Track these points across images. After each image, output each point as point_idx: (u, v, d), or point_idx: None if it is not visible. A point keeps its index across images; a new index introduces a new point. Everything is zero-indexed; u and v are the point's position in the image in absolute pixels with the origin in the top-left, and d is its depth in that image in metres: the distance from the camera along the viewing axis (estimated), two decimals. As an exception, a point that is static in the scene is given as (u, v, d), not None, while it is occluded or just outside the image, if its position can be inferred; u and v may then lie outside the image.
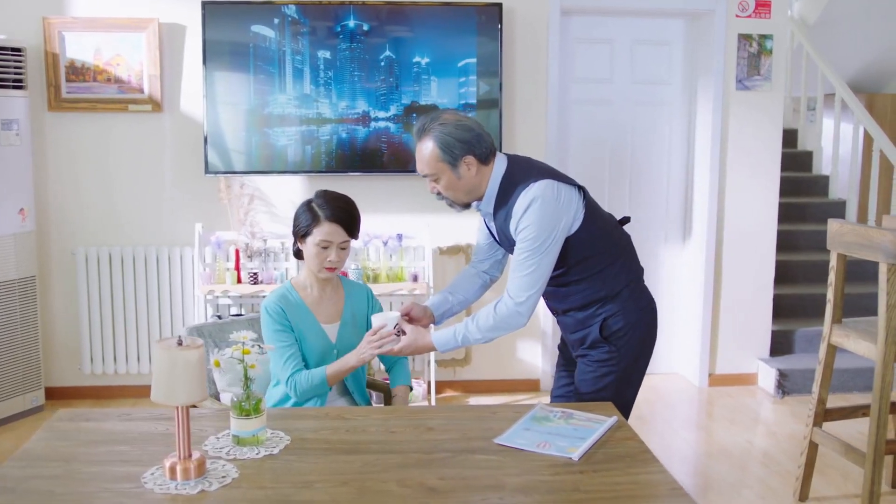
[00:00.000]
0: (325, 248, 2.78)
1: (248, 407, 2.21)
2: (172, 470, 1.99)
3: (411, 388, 3.08)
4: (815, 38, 6.73)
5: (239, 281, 4.71)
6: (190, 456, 2.01)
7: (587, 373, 2.80)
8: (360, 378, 2.98)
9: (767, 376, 5.31)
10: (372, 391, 3.12)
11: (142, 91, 4.73)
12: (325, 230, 2.77)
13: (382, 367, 3.09)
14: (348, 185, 4.87)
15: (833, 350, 3.63)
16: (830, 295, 3.58)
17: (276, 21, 4.60)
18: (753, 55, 5.10)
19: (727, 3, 5.05)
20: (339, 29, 4.65)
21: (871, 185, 6.19)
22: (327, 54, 4.66)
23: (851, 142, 6.52)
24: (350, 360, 2.74)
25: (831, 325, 3.59)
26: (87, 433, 2.29)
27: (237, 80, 4.63)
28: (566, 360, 3.02)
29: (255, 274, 4.68)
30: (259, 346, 2.29)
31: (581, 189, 2.71)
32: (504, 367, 5.23)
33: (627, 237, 2.87)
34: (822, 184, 6.65)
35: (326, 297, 2.91)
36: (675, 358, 5.65)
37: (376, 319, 2.69)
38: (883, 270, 3.27)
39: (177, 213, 4.85)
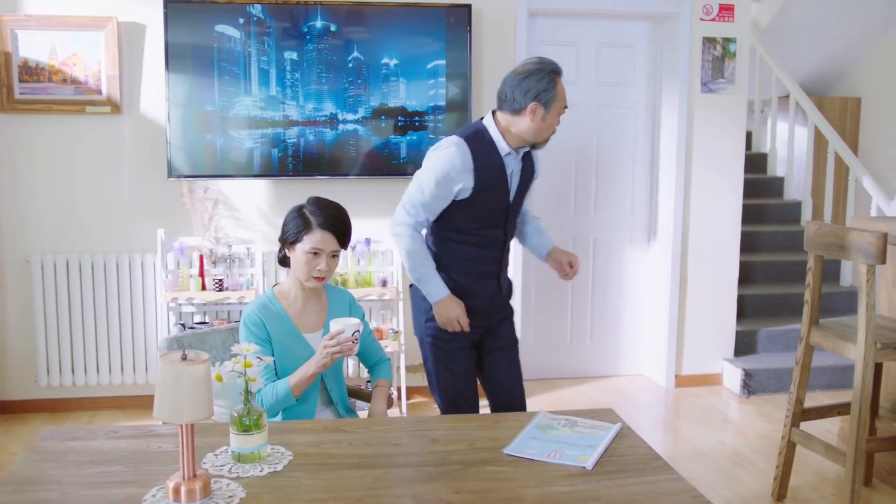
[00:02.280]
0: (316, 255, 2.70)
1: (249, 422, 2.12)
2: (176, 491, 1.89)
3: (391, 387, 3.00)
4: (768, 42, 6.84)
5: (203, 288, 4.57)
6: (195, 476, 1.92)
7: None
8: (342, 387, 2.90)
9: (732, 376, 5.36)
10: (355, 399, 3.05)
11: (100, 92, 4.56)
12: (316, 238, 2.68)
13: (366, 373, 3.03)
14: (316, 188, 4.77)
15: (811, 350, 3.66)
16: (808, 296, 3.61)
17: (240, 21, 4.48)
18: (717, 58, 5.14)
19: (692, 7, 5.09)
20: (305, 29, 4.55)
21: (826, 186, 6.30)
22: (294, 55, 4.55)
23: (806, 144, 6.65)
24: (310, 367, 2.64)
25: (809, 325, 3.61)
26: (76, 453, 2.17)
27: (201, 82, 4.50)
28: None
29: (220, 280, 4.55)
30: (260, 357, 2.20)
31: None
32: (473, 371, 5.17)
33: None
34: (777, 185, 6.76)
35: (310, 307, 2.83)
36: (641, 359, 5.67)
37: (335, 324, 2.61)
38: (862, 271, 3.31)
39: (138, 218, 4.69)
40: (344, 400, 2.89)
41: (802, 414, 3.72)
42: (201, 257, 4.60)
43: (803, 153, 6.81)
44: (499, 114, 3.05)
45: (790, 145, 6.63)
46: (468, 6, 4.71)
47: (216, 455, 2.17)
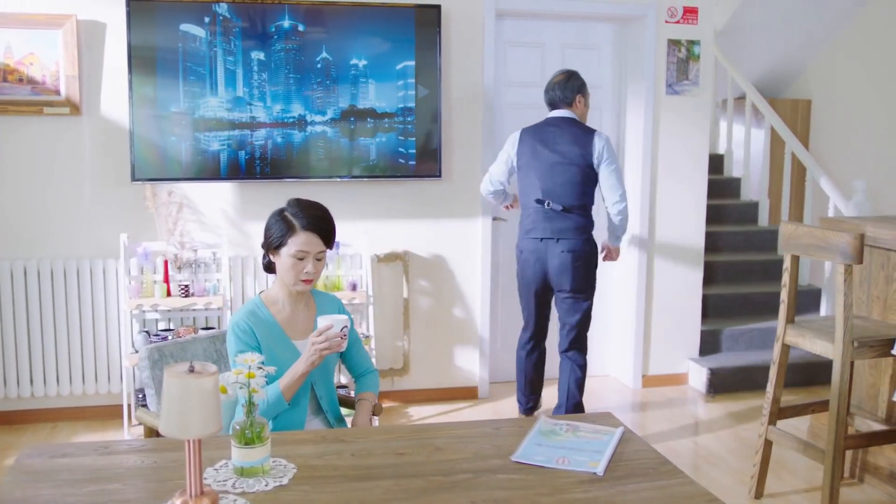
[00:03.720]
0: (302, 259, 2.63)
1: (252, 435, 2.04)
2: (184, 509, 1.81)
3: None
4: (723, 45, 6.94)
5: (168, 294, 4.45)
6: (202, 493, 1.84)
7: None
8: (332, 395, 2.84)
9: (698, 376, 5.41)
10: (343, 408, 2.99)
11: (58, 93, 4.41)
12: (301, 240, 2.61)
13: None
14: (284, 191, 4.68)
15: (787, 350, 3.70)
16: (784, 296, 3.65)
17: (206, 20, 4.37)
18: (682, 60, 5.19)
19: (657, 9, 5.12)
20: (273, 29, 4.46)
21: (783, 187, 6.41)
22: (261, 55, 4.46)
23: (761, 145, 6.76)
24: (299, 367, 2.57)
25: (785, 325, 3.65)
26: (68, 471, 2.07)
27: (165, 82, 4.37)
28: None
29: (185, 286, 4.43)
30: (261, 367, 2.12)
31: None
32: (442, 375, 5.14)
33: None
34: (734, 186, 6.85)
35: (298, 312, 2.76)
36: (608, 360, 5.69)
37: (323, 321, 2.56)
38: (840, 271, 3.35)
39: (99, 222, 4.55)
40: (334, 408, 2.82)
41: (781, 413, 3.76)
42: (166, 262, 4.47)
43: (758, 154, 6.93)
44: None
45: (746, 146, 6.73)
46: (438, 6, 4.67)
47: (216, 470, 2.09)
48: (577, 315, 4.37)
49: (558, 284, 4.32)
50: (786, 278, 3.64)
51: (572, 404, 4.48)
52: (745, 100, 6.76)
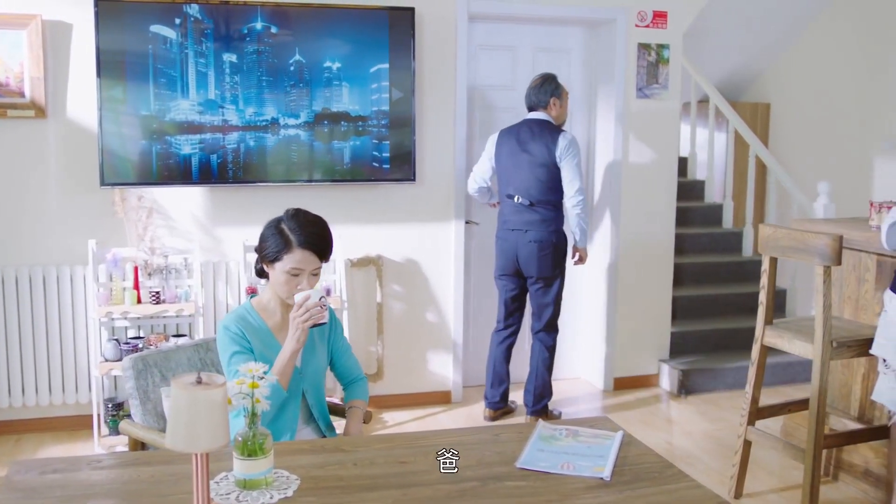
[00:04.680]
0: (296, 275, 2.57)
1: (255, 446, 1.99)
2: (192, 525, 1.76)
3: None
4: (686, 48, 7.00)
5: (139, 301, 4.35)
6: (210, 507, 1.79)
7: None
8: (322, 403, 2.80)
9: (669, 377, 5.46)
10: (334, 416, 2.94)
11: (22, 95, 4.28)
12: (296, 258, 2.56)
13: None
14: (256, 196, 4.63)
15: (765, 351, 3.74)
16: (763, 297, 3.69)
17: (177, 21, 4.28)
18: (652, 64, 5.23)
19: (627, 13, 5.16)
20: (245, 31, 4.39)
21: (747, 189, 6.50)
22: (233, 58, 4.38)
23: (724, 148, 6.85)
24: (286, 349, 2.52)
25: (764, 326, 3.69)
26: (62, 488, 2.00)
27: (135, 85, 4.27)
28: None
29: (156, 293, 4.34)
30: (262, 376, 2.07)
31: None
32: (416, 380, 5.11)
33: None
34: (698, 188, 6.93)
35: (289, 319, 2.70)
36: (578, 362, 5.71)
37: (298, 296, 2.51)
38: (819, 273, 3.40)
39: (67, 228, 4.43)
40: (325, 416, 2.78)
41: (759, 413, 3.80)
42: (136, 269, 4.37)
43: (721, 157, 7.02)
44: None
45: (710, 149, 6.81)
46: (411, 9, 4.64)
47: (217, 483, 2.03)
48: (545, 299, 4.73)
49: (527, 271, 4.68)
50: (764, 280, 3.68)
51: (540, 383, 4.80)
52: (707, 103, 6.84)
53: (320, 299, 2.50)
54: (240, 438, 1.99)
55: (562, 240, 4.68)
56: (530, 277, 4.69)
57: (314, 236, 2.59)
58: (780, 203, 6.39)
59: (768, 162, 6.20)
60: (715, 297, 6.04)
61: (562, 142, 4.54)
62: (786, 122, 7.46)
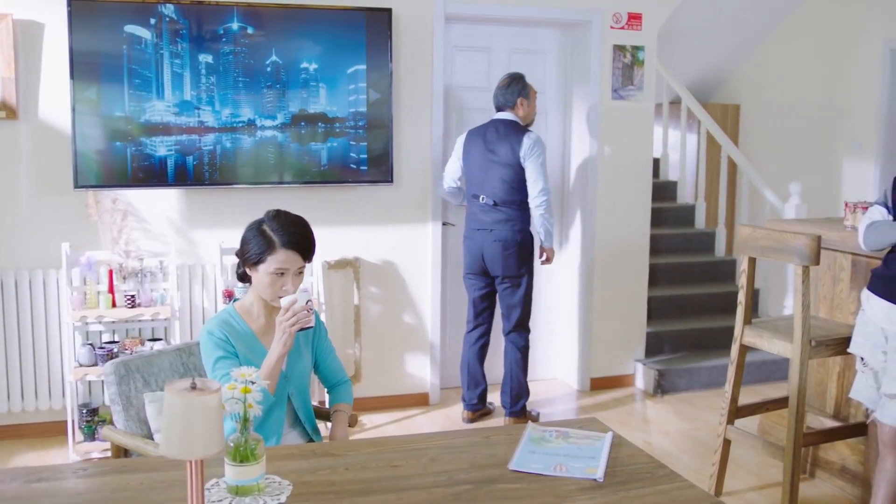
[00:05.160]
0: (281, 275, 2.55)
1: (247, 452, 1.97)
2: (187, 533, 1.73)
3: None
4: (658, 50, 7.06)
5: (114, 305, 4.28)
6: (204, 514, 1.76)
7: None
8: (308, 407, 2.78)
9: (645, 377, 5.49)
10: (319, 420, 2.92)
11: (-7, 96, 4.21)
12: (280, 258, 2.54)
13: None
14: (233, 197, 4.58)
15: (744, 350, 3.77)
16: (741, 297, 3.72)
17: (152, 21, 4.23)
18: (627, 66, 5.26)
19: (602, 15, 5.18)
20: (221, 31, 4.34)
21: (719, 190, 6.56)
22: (209, 58, 4.34)
23: (694, 149, 6.91)
24: (273, 353, 2.50)
25: (743, 326, 3.72)
26: (50, 497, 1.96)
27: (109, 85, 4.21)
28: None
29: (132, 296, 4.28)
30: (254, 381, 2.05)
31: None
32: (394, 382, 5.09)
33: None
34: (670, 189, 6.98)
35: (273, 323, 2.68)
36: (554, 363, 5.72)
37: (285, 300, 2.49)
38: (798, 272, 3.43)
39: (39, 232, 4.35)
40: (311, 419, 2.76)
41: (738, 412, 3.83)
42: (111, 272, 4.31)
43: (692, 158, 7.08)
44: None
45: (682, 150, 6.87)
46: (389, 10, 4.63)
47: (208, 489, 2.00)
48: (512, 299, 4.73)
49: (493, 270, 4.70)
50: (743, 280, 3.72)
51: (515, 384, 4.81)
52: (679, 104, 6.90)
53: (307, 303, 2.49)
54: (231, 444, 1.97)
55: (527, 239, 4.69)
56: (497, 277, 4.70)
57: (297, 235, 2.57)
58: (751, 204, 6.45)
59: (740, 163, 6.26)
60: (688, 297, 6.09)
61: (526, 142, 4.55)
62: (755, 123, 7.55)
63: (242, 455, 1.97)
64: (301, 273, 2.61)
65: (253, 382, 2.04)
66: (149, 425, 2.73)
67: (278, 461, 2.18)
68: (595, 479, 2.09)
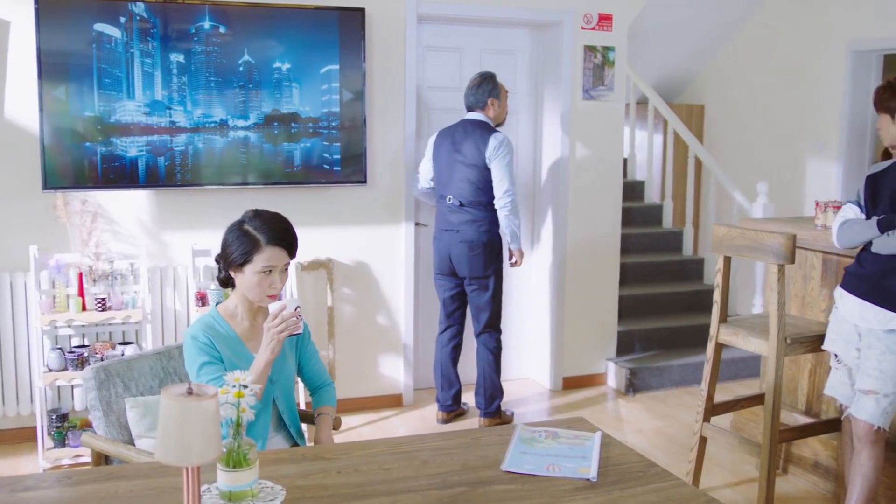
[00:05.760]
0: (269, 273, 2.53)
1: (239, 456, 1.94)
2: (183, 540, 1.71)
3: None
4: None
5: (84, 308, 4.21)
6: (201, 522, 1.74)
7: None
8: (293, 410, 2.75)
9: (616, 375, 5.53)
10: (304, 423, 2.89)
11: (-43, 96, 4.11)
12: (266, 256, 2.52)
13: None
14: (205, 199, 4.53)
15: (720, 348, 3.81)
16: (717, 296, 3.75)
17: (122, 20, 4.16)
18: (598, 66, 5.29)
19: (573, 16, 5.20)
20: (193, 30, 4.29)
21: (686, 190, 6.63)
22: (181, 58, 4.28)
23: (661, 148, 6.97)
24: (260, 359, 2.48)
25: (718, 324, 3.76)
26: (38, 506, 1.92)
27: (78, 85, 4.12)
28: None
29: (102, 300, 4.20)
30: (246, 385, 2.02)
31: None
32: (367, 384, 5.06)
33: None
34: (637, 189, 7.03)
35: (257, 325, 2.65)
36: (526, 362, 5.74)
37: (274, 306, 2.48)
38: (773, 271, 3.48)
39: (7, 234, 4.25)
40: (296, 423, 2.74)
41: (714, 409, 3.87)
42: (80, 275, 4.23)
43: (659, 158, 7.14)
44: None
45: (650, 150, 6.93)
46: (362, 10, 4.60)
47: (201, 495, 1.97)
48: (481, 300, 4.72)
49: (460, 271, 4.70)
50: (718, 279, 3.75)
51: (489, 385, 4.81)
52: (646, 105, 6.96)
53: (296, 309, 2.47)
54: (224, 449, 1.94)
55: (494, 240, 4.68)
56: (465, 278, 4.70)
57: (281, 231, 2.56)
58: (719, 203, 6.52)
59: (707, 163, 6.33)
60: (658, 295, 6.14)
61: (492, 142, 4.53)
62: (720, 123, 7.64)
63: (235, 460, 1.94)
64: (286, 269, 2.60)
65: (245, 386, 2.02)
66: (130, 431, 2.68)
67: (268, 465, 2.15)
68: (589, 479, 2.09)
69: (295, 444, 2.73)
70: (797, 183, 6.77)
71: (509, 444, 2.30)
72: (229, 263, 2.56)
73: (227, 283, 2.63)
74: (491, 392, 4.79)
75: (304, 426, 2.96)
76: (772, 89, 7.01)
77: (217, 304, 2.67)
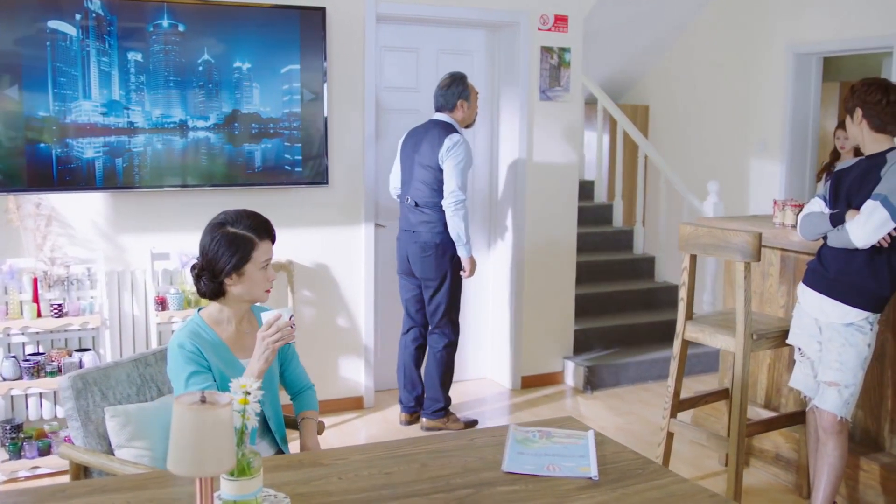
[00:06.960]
0: (266, 266, 2.54)
1: (243, 465, 1.90)
2: (197, 553, 1.67)
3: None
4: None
5: (39, 315, 4.07)
6: (214, 533, 1.70)
7: None
8: (279, 416, 2.72)
9: (574, 374, 5.58)
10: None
11: None
12: (262, 249, 2.56)
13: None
14: (165, 201, 4.43)
15: (686, 345, 3.88)
16: (683, 294, 3.82)
17: (77, 17, 4.04)
18: (554, 67, 5.33)
19: (529, 17, 5.24)
20: (151, 29, 4.19)
21: (636, 189, 6.73)
22: (139, 56, 4.17)
23: (608, 148, 7.07)
24: (254, 367, 2.44)
25: (685, 321, 3.83)
26: (34, 521, 1.85)
27: (31, 84, 3.98)
28: None
29: (58, 306, 4.07)
30: (249, 392, 1.98)
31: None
32: (328, 386, 5.01)
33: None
34: (587, 189, 7.11)
35: (243, 331, 2.62)
36: (484, 362, 5.75)
37: (267, 315, 2.45)
38: (740, 269, 3.55)
39: (-46, 239, 4.10)
40: (281, 429, 2.70)
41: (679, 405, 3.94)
42: (35, 280, 4.09)
43: (607, 157, 7.24)
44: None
45: (599, 150, 7.02)
46: (322, 9, 4.55)
47: (203, 505, 1.93)
48: (433, 301, 4.71)
49: (416, 271, 4.71)
50: (685, 277, 3.82)
51: (428, 384, 4.80)
52: (595, 105, 7.04)
53: (290, 318, 2.43)
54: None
55: (447, 242, 4.62)
56: (419, 278, 4.70)
57: (266, 224, 2.59)
58: (669, 202, 6.64)
59: (657, 162, 6.44)
60: (610, 294, 6.22)
61: (447, 143, 4.50)
62: (664, 123, 7.78)
63: (240, 469, 1.90)
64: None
65: (248, 393, 1.98)
66: (109, 441, 2.60)
67: (265, 473, 2.10)
68: (590, 478, 2.11)
69: (279, 450, 2.69)
70: (741, 182, 6.93)
71: (505, 444, 2.31)
72: (225, 271, 2.48)
73: (217, 294, 2.55)
74: (431, 393, 4.77)
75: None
76: (715, 90, 7.17)
77: (199, 309, 2.62)
